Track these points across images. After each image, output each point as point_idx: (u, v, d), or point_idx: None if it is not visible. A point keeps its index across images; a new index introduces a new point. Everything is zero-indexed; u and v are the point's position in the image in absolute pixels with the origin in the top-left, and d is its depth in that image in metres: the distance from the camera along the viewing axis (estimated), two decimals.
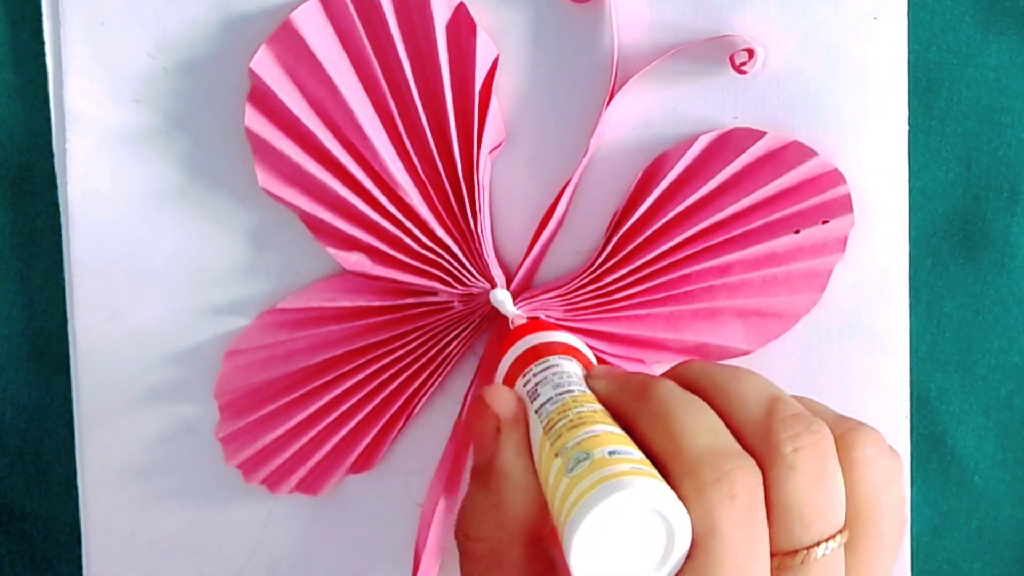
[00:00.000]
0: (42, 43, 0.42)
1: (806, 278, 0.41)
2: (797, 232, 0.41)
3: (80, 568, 0.44)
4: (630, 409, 0.32)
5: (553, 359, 0.36)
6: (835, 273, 0.41)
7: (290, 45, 0.40)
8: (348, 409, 0.42)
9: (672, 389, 0.32)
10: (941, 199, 0.43)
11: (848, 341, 0.42)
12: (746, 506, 0.29)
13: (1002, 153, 0.42)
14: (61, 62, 0.42)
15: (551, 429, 0.32)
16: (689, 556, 0.29)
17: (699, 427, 0.31)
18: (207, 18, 0.41)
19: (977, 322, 0.43)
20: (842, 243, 0.41)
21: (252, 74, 0.40)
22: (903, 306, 0.42)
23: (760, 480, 0.30)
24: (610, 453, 0.30)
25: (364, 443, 0.42)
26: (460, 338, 0.42)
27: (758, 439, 0.31)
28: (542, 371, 0.35)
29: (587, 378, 0.35)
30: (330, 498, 0.43)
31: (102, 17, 0.41)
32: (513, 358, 0.37)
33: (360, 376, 0.42)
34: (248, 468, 0.43)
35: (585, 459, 0.30)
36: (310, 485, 0.43)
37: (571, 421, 0.32)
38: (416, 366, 0.42)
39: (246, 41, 0.41)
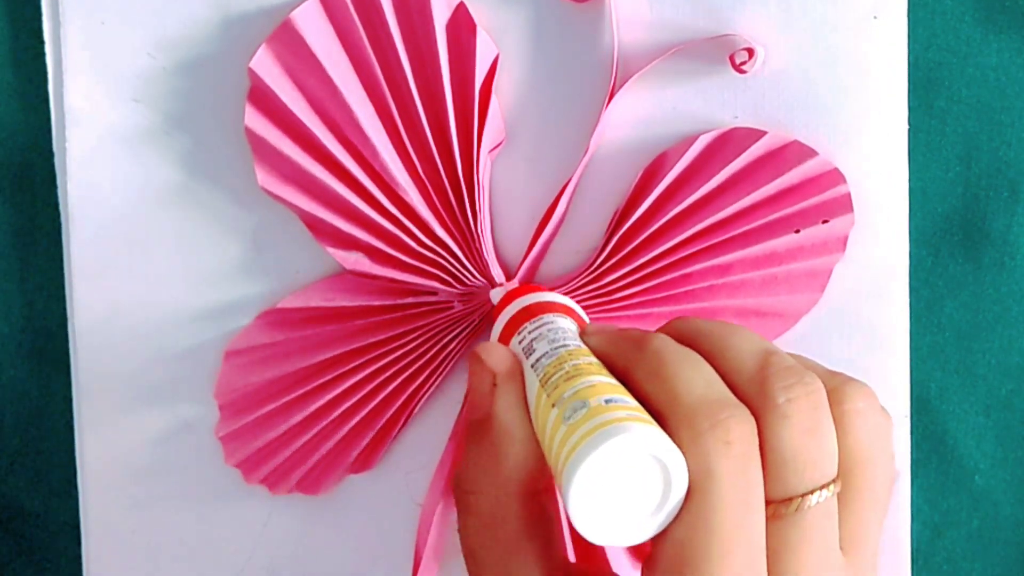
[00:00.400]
0: (42, 43, 0.42)
1: (806, 278, 0.41)
2: (797, 232, 0.41)
3: (80, 568, 0.44)
4: (626, 362, 0.33)
5: (547, 316, 0.36)
6: (835, 273, 0.41)
7: (290, 45, 0.40)
8: (348, 409, 0.42)
9: (667, 342, 0.33)
10: (941, 198, 0.43)
11: (848, 341, 0.42)
12: (741, 453, 0.30)
13: (1002, 152, 0.43)
14: (61, 62, 0.42)
15: (547, 381, 0.32)
16: (685, 502, 0.30)
17: (695, 378, 0.31)
18: (207, 18, 0.41)
19: (977, 321, 0.43)
20: (842, 243, 0.41)
21: (252, 74, 0.40)
22: (903, 306, 0.42)
23: (755, 429, 0.30)
24: (606, 401, 0.30)
25: (364, 443, 0.43)
26: (460, 337, 0.42)
27: (752, 390, 0.31)
28: (537, 328, 0.36)
29: (582, 334, 0.35)
30: (330, 498, 0.43)
31: (102, 17, 0.41)
32: (507, 319, 0.37)
33: (360, 376, 0.42)
34: (248, 467, 0.43)
35: (582, 407, 0.30)
36: (310, 485, 0.43)
37: (567, 373, 0.32)
38: (416, 366, 0.42)
39: (246, 41, 0.41)
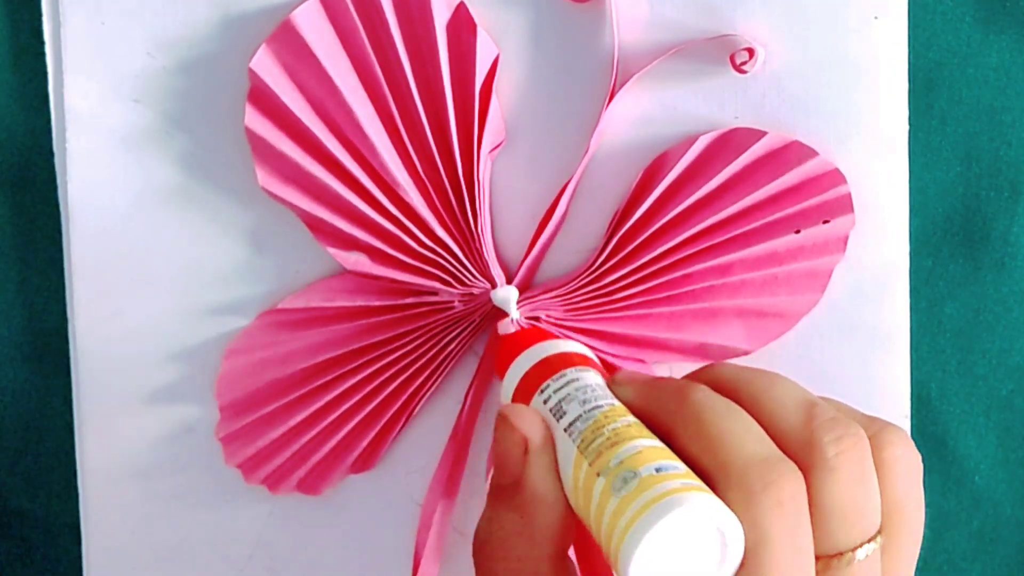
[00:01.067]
0: (42, 43, 0.42)
1: (807, 278, 0.41)
2: (798, 232, 0.41)
3: (80, 569, 0.44)
4: (666, 417, 0.32)
5: (571, 372, 0.35)
6: (836, 273, 0.42)
7: (290, 45, 0.40)
8: (348, 409, 0.42)
9: (709, 395, 0.32)
10: (941, 199, 0.43)
11: (848, 341, 0.42)
12: (794, 512, 0.30)
13: (1002, 152, 0.43)
14: (61, 61, 0.42)
15: (587, 448, 0.32)
16: (741, 565, 0.30)
17: (742, 434, 0.31)
18: (207, 18, 0.41)
19: (978, 322, 0.43)
20: (843, 243, 0.41)
21: (252, 74, 0.40)
22: (904, 306, 0.42)
23: (804, 486, 0.30)
24: (657, 470, 0.30)
25: (364, 443, 0.43)
26: (460, 338, 0.42)
27: (799, 444, 0.31)
28: (563, 387, 0.35)
29: (611, 385, 0.35)
30: (330, 498, 0.43)
31: (102, 17, 0.41)
32: (523, 372, 0.36)
33: (360, 376, 0.42)
34: (248, 468, 0.43)
35: (633, 478, 0.30)
36: (310, 485, 0.43)
37: (608, 439, 0.31)
38: (416, 366, 0.42)
39: (246, 41, 0.41)
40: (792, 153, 0.41)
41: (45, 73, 0.42)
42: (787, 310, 0.42)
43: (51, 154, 0.43)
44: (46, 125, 0.43)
